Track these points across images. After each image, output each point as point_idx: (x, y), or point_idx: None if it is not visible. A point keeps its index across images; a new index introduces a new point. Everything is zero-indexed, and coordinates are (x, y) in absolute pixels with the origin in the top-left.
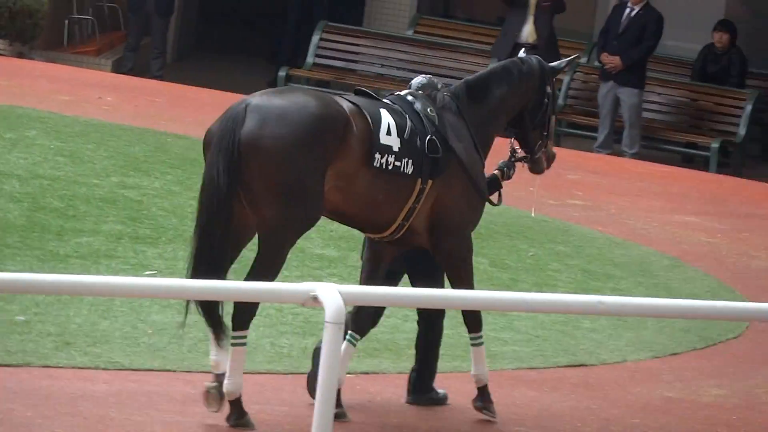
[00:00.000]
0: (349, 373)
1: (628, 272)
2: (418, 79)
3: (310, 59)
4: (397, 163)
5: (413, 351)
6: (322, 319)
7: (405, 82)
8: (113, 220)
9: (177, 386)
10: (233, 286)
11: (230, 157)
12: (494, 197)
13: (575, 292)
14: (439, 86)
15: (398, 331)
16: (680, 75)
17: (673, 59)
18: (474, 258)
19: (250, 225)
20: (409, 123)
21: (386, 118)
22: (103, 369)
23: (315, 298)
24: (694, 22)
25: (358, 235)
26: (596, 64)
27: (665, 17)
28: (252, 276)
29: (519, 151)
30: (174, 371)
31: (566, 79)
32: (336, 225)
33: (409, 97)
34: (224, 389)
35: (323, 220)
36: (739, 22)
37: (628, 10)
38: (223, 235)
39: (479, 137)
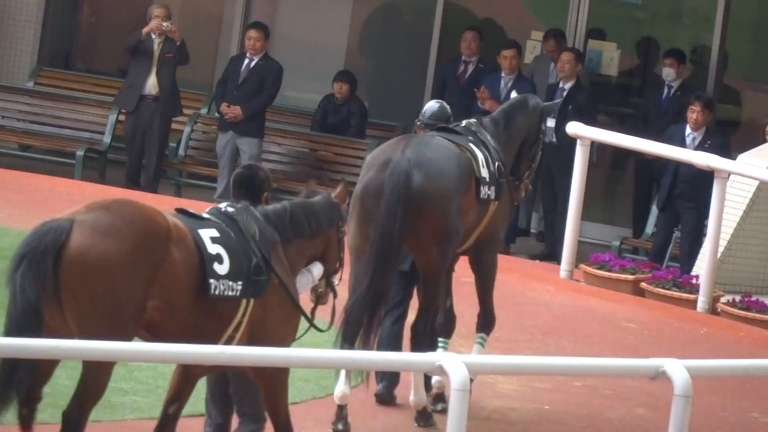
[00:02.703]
0: None
1: None
2: (432, 105)
3: None
4: (489, 192)
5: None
6: None
7: (26, 134)
8: None
9: None
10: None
11: (404, 208)
12: None
13: None
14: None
15: None
16: (300, 126)
17: (293, 110)
18: None
19: None
20: (486, 154)
21: (479, 154)
22: None
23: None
24: (314, 72)
25: None
26: (216, 114)
27: (285, 68)
28: (423, 309)
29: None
30: None
31: (186, 130)
32: None
33: (473, 127)
34: (412, 402)
35: None
36: (359, 72)
37: (247, 61)
38: (392, 277)
39: (506, 159)
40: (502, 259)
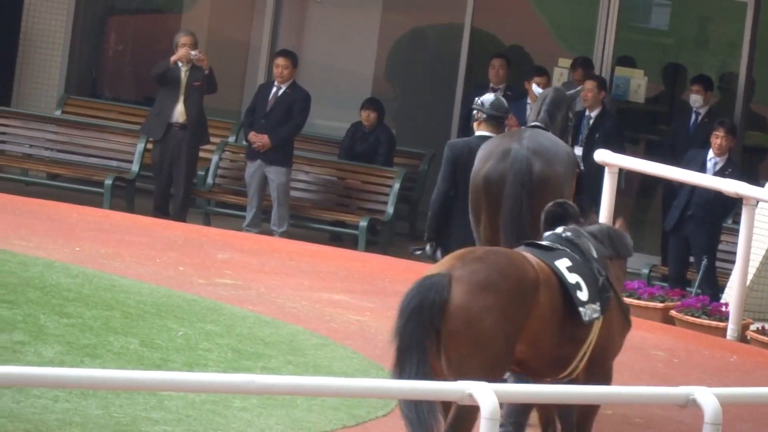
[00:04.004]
0: None
1: (278, 351)
2: (489, 97)
3: None
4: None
5: None
6: None
7: (54, 163)
8: None
9: None
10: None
11: (528, 193)
12: None
13: (226, 372)
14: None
15: (48, 412)
16: (328, 154)
17: (321, 138)
18: (124, 338)
19: None
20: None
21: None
22: None
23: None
24: (342, 100)
25: (9, 316)
26: (244, 143)
27: (312, 95)
28: None
29: None
30: None
31: (214, 158)
32: None
33: (542, 126)
34: None
35: None
36: (386, 100)
37: (275, 89)
38: None
39: None
40: None
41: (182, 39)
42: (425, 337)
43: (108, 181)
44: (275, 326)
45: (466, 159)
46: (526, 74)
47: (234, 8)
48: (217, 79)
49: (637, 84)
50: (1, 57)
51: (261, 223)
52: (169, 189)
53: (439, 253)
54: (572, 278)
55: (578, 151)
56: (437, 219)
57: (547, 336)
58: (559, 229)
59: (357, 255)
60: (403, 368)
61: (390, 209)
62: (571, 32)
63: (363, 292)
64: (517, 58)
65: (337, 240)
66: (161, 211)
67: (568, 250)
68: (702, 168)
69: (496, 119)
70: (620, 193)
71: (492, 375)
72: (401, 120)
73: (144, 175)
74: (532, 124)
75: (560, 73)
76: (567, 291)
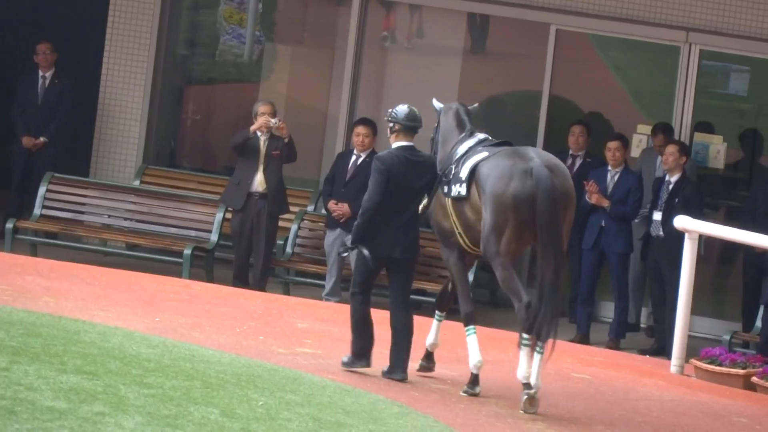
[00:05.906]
0: None
1: (359, 420)
2: (403, 108)
3: (37, 211)
4: None
5: None
6: None
7: (132, 233)
8: None
9: None
10: None
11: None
12: None
13: None
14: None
15: None
16: None
17: None
18: (204, 408)
19: None
20: None
21: None
22: None
23: None
24: None
25: (89, 387)
26: (323, 212)
27: None
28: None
29: None
30: None
31: (293, 227)
32: (65, 377)
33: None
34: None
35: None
36: None
37: (354, 157)
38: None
39: None
40: (612, 355)
41: (261, 108)
42: None
43: (187, 251)
44: (355, 395)
45: (396, 170)
46: (606, 141)
47: (312, 77)
48: (296, 148)
49: (717, 150)
50: (80, 127)
51: (341, 292)
52: (249, 258)
53: (366, 251)
54: None
55: (657, 216)
56: (367, 226)
57: None
58: None
59: (429, 322)
60: None
61: (470, 277)
62: (650, 98)
63: (444, 360)
64: (597, 124)
65: (417, 308)
66: (241, 280)
67: None
68: None
69: (411, 129)
70: (700, 260)
71: None
72: None
73: (223, 245)
74: (496, 140)
75: (639, 140)
76: None
